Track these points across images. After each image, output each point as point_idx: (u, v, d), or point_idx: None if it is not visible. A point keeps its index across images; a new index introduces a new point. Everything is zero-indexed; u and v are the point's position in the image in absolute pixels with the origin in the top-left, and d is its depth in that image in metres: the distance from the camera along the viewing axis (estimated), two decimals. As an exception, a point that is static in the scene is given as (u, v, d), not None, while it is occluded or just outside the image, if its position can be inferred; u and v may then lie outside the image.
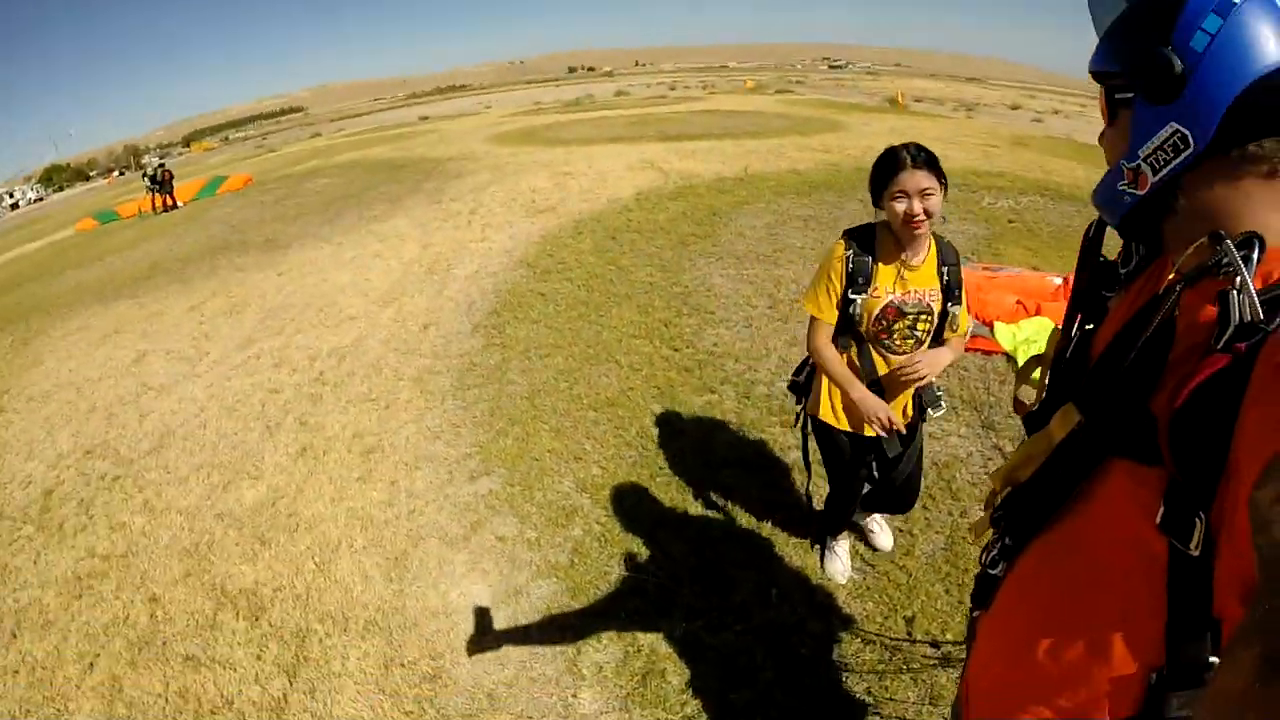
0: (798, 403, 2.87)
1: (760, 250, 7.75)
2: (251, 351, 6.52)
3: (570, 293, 6.92)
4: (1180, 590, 0.81)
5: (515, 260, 8.11)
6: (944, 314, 2.45)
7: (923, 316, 2.41)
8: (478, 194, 12.22)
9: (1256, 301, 0.73)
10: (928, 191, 2.19)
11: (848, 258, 2.37)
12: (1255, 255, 0.77)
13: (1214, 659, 0.81)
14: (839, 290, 2.41)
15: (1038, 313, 5.42)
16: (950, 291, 2.44)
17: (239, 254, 10.68)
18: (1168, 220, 0.93)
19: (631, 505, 3.71)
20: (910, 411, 2.65)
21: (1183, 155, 0.84)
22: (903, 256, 2.36)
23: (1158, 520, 0.80)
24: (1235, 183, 0.84)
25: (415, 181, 14.68)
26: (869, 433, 2.55)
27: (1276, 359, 0.67)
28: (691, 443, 4.23)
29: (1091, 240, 1.12)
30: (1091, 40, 0.95)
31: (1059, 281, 6.05)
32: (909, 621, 2.88)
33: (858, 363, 2.52)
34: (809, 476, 3.11)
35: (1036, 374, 1.23)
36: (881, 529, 3.28)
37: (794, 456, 4.00)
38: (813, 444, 2.86)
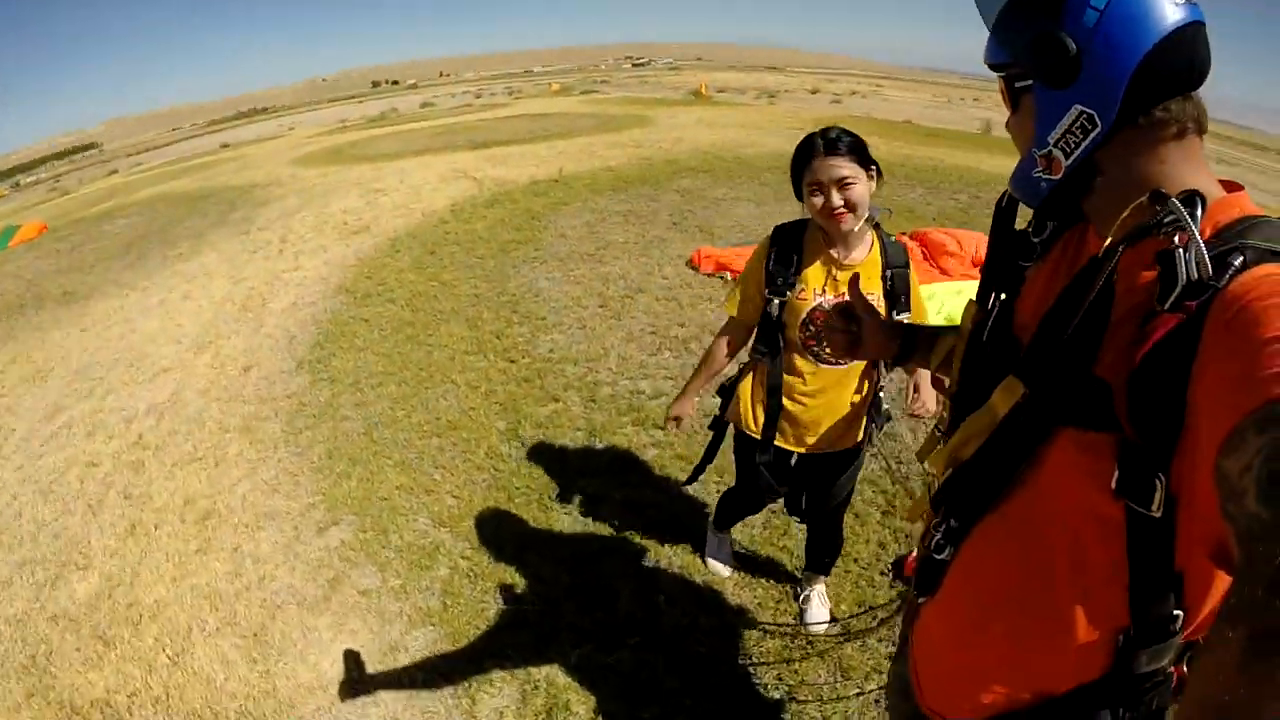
0: (721, 407, 2.51)
1: (583, 249, 7.62)
2: (61, 421, 5.61)
3: (395, 315, 6.47)
4: (1141, 551, 0.78)
5: (333, 287, 7.49)
6: None
7: None
8: (287, 220, 11.23)
9: (1206, 258, 0.68)
10: (847, 181, 1.89)
11: (770, 255, 2.09)
12: (1199, 213, 0.72)
13: (1178, 613, 0.82)
14: (756, 288, 2.15)
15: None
16: (895, 298, 2.09)
17: (35, 311, 9.21)
18: (1088, 199, 0.88)
19: (494, 532, 3.46)
20: (859, 434, 2.33)
21: (1092, 135, 0.81)
22: (833, 254, 2.05)
23: (1113, 485, 0.76)
24: (1149, 149, 0.80)
25: (220, 213, 13.28)
26: (790, 447, 2.30)
27: (1227, 317, 0.64)
28: (544, 456, 4.03)
29: (1004, 211, 1.07)
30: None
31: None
32: (801, 603, 2.85)
33: (764, 381, 2.22)
34: (693, 477, 2.87)
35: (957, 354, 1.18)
36: (819, 604, 2.83)
37: (652, 454, 3.92)
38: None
